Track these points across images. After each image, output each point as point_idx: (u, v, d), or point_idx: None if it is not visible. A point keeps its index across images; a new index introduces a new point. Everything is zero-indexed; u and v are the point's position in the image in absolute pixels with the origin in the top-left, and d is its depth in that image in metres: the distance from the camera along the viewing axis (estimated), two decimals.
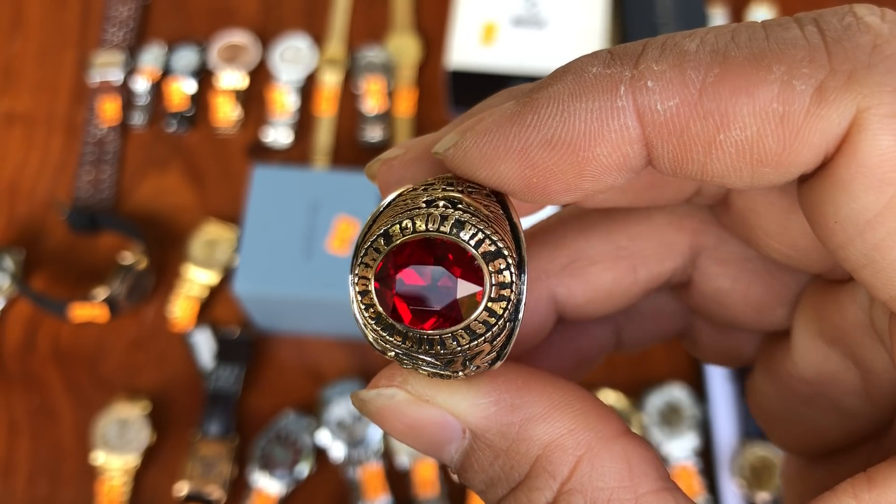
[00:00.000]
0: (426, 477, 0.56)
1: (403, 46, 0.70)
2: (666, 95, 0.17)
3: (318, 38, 0.71)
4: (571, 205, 0.24)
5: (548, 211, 0.26)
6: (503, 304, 0.18)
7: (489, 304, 0.18)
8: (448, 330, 0.18)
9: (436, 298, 0.18)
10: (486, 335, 0.18)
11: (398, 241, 0.18)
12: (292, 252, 0.56)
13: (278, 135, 0.67)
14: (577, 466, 0.18)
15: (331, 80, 0.69)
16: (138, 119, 0.68)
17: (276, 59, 0.70)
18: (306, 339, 0.61)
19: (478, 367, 0.19)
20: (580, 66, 0.18)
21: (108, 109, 0.68)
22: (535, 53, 0.62)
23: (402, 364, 0.19)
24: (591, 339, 0.26)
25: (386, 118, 0.68)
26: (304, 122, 0.68)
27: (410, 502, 0.56)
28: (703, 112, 0.16)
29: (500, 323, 0.18)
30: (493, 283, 0.18)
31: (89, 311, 0.60)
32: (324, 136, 0.67)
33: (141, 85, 0.69)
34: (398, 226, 0.18)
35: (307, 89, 0.69)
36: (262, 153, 0.67)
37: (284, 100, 0.68)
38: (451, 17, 0.66)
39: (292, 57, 0.70)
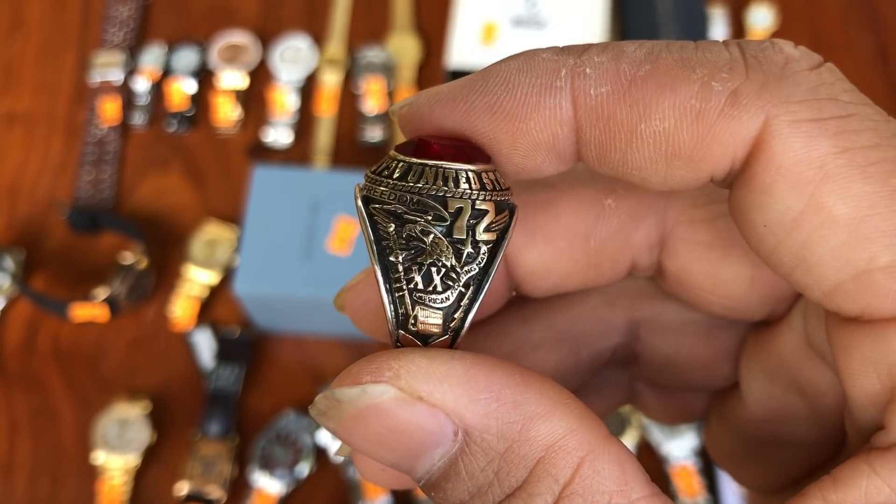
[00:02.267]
0: None
1: (403, 46, 0.70)
2: (600, 82, 0.18)
3: (318, 38, 0.71)
4: (513, 295, 0.25)
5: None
6: (500, 192, 0.20)
7: (491, 174, 0.20)
8: (464, 165, 0.19)
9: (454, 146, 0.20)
10: (491, 193, 0.19)
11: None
12: (292, 252, 0.56)
13: (278, 135, 0.67)
14: (580, 469, 0.17)
15: (331, 80, 0.69)
16: (138, 119, 0.68)
17: (276, 59, 0.70)
18: (306, 339, 0.61)
19: (472, 254, 0.19)
20: (533, 51, 0.19)
21: (109, 109, 0.68)
22: None
23: (401, 238, 0.19)
24: None
25: (386, 118, 0.68)
26: (304, 122, 0.68)
27: (410, 502, 0.56)
28: (629, 101, 0.18)
29: (497, 195, 0.19)
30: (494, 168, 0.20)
31: (89, 310, 0.60)
32: (324, 136, 0.67)
33: (141, 85, 0.69)
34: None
35: (307, 89, 0.69)
36: (262, 153, 0.67)
37: (284, 100, 0.68)
38: (451, 17, 0.66)
39: (292, 57, 0.70)
